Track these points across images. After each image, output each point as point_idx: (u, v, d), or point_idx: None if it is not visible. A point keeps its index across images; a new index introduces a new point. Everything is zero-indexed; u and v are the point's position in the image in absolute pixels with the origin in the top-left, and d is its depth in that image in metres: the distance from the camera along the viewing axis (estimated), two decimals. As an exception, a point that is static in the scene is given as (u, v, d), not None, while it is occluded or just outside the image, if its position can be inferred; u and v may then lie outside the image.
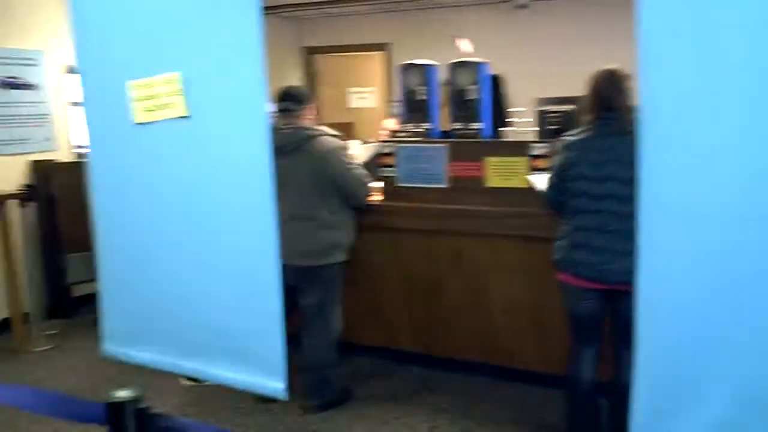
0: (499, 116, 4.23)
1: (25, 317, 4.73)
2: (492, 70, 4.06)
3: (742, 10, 1.52)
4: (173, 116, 2.20)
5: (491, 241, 3.57)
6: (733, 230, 1.58)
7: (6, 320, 4.80)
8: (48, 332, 4.86)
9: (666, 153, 1.62)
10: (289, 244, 3.22)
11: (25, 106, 5.09)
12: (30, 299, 4.82)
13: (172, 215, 2.28)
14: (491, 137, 3.92)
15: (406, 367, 3.98)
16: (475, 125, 3.89)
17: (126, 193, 2.39)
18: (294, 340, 3.34)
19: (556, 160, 2.85)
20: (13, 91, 4.92)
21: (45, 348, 4.65)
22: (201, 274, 2.25)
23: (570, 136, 2.79)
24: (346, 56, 7.87)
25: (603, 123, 2.70)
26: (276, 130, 3.46)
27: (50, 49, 5.17)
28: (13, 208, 4.66)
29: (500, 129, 4.05)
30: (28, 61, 5.01)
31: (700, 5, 1.55)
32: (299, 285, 3.41)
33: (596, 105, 2.73)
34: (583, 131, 2.75)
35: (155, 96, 2.24)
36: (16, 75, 4.92)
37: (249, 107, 2.08)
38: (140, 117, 2.26)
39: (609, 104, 2.70)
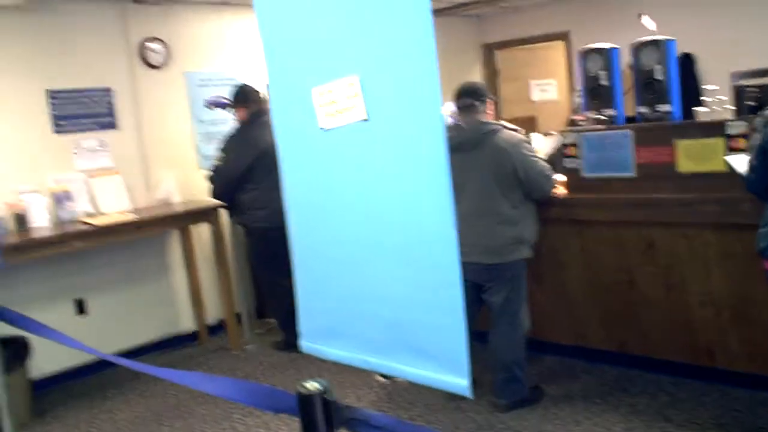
0: (692, 96, 3.96)
1: (237, 318, 5.16)
2: (680, 48, 3.80)
3: None
4: (354, 120, 2.31)
5: (685, 230, 3.34)
6: None
7: (221, 321, 5.28)
8: (257, 331, 5.27)
9: None
10: (471, 241, 3.26)
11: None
12: (241, 301, 5.24)
13: (355, 215, 2.39)
14: (681, 119, 3.68)
15: (597, 366, 3.84)
16: (664, 107, 3.66)
17: (314, 196, 2.53)
18: (481, 338, 3.37)
19: (755, 139, 2.62)
20: (221, 110, 5.38)
21: (254, 346, 5.04)
22: (383, 271, 2.32)
23: None
24: (525, 49, 7.75)
25: None
26: (456, 127, 3.51)
27: (251, 68, 5.60)
28: (225, 217, 5.10)
29: (692, 110, 3.78)
30: (234, 81, 5.47)
31: None
32: (484, 283, 3.41)
33: None
34: None
35: (337, 101, 2.37)
36: (223, 95, 5.38)
37: (424, 107, 2.12)
38: (324, 122, 2.39)
39: None
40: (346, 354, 2.50)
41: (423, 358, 2.27)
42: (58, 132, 4.74)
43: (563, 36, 7.18)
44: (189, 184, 5.30)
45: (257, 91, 4.81)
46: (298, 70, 2.45)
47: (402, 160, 2.25)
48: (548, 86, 7.43)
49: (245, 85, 4.82)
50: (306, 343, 2.64)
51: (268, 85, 2.58)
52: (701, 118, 3.56)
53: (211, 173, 4.71)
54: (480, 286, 3.41)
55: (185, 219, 4.98)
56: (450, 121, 3.83)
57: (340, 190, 2.44)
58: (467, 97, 3.50)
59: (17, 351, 4.05)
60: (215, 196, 4.75)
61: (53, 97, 4.72)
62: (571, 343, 3.90)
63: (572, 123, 4.11)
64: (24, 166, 4.56)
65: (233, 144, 4.63)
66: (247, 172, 4.57)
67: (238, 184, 4.62)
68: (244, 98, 4.72)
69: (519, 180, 3.36)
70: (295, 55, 2.45)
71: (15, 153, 4.55)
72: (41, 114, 4.68)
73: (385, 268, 2.35)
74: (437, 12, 6.95)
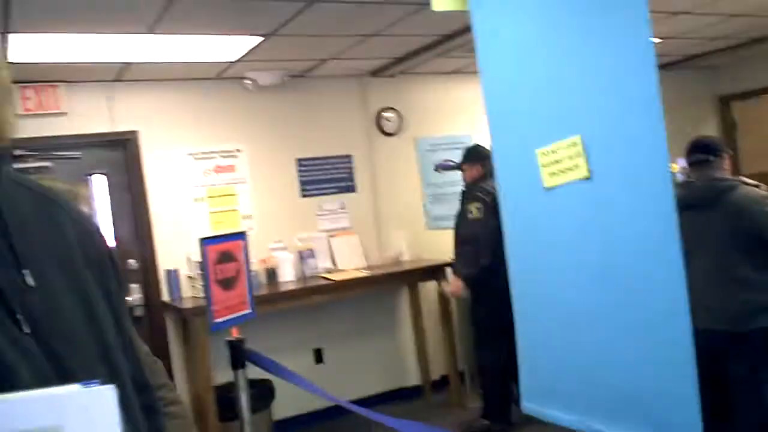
0: None
1: (460, 375, 5.27)
2: None
3: None
4: (576, 178, 2.34)
5: None
6: None
7: (444, 377, 5.42)
8: (478, 389, 5.33)
9: None
10: (706, 305, 3.06)
11: (458, 185, 5.80)
12: (463, 359, 5.35)
13: (579, 274, 2.39)
14: None
15: None
16: None
17: (537, 254, 2.59)
18: (722, 414, 3.11)
19: None
20: (448, 172, 5.66)
21: (476, 404, 5.10)
22: (610, 335, 2.29)
23: None
24: (766, 99, 7.21)
25: None
26: (687, 185, 3.37)
27: (477, 131, 5.83)
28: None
29: None
30: (460, 144, 5.74)
31: None
32: (723, 353, 3.18)
33: None
34: None
35: (560, 160, 2.42)
36: (450, 158, 5.67)
37: (650, 165, 2.09)
38: (548, 181, 2.46)
39: None
40: (568, 417, 2.47)
41: (649, 428, 2.17)
42: (304, 196, 5.28)
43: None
44: (418, 243, 5.58)
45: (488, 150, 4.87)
46: (521, 132, 2.55)
47: (626, 219, 2.23)
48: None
49: (478, 144, 4.93)
50: (527, 404, 2.65)
51: (491, 148, 2.72)
52: None
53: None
54: (717, 357, 3.17)
55: (413, 276, 5.23)
56: (680, 178, 3.69)
57: (564, 249, 2.47)
58: (699, 152, 3.36)
59: (263, 393, 4.47)
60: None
61: (301, 165, 5.29)
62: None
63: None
64: (276, 226, 5.12)
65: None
66: None
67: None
68: (477, 156, 4.70)
69: (762, 241, 3.13)
70: (518, 117, 2.56)
71: (269, 215, 5.14)
72: (292, 180, 5.26)
73: (612, 333, 2.31)
74: (667, 66, 6.73)
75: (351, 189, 5.46)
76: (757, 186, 3.24)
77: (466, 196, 4.67)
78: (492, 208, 4.20)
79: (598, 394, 2.34)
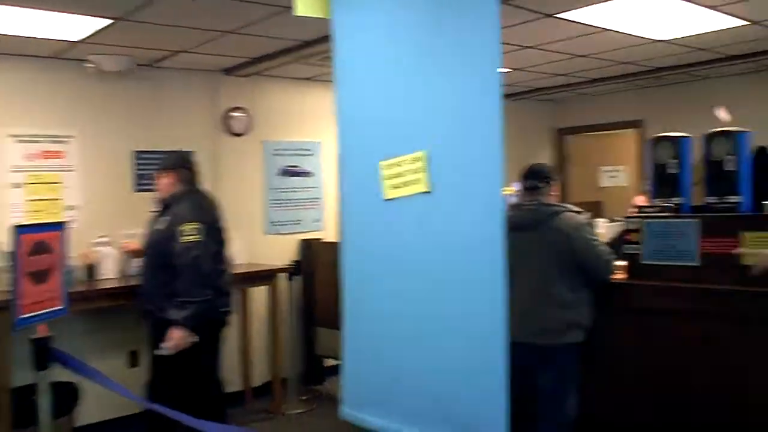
0: (766, 190, 3.88)
1: (284, 382, 5.20)
2: (756, 141, 3.78)
3: None
4: (416, 192, 2.38)
5: (748, 326, 3.24)
6: None
7: (267, 383, 5.32)
8: (301, 397, 5.29)
9: None
10: (525, 320, 3.24)
11: (301, 191, 5.76)
12: (288, 365, 5.29)
13: (408, 285, 2.43)
14: (751, 211, 3.61)
15: None
16: (733, 198, 3.62)
17: (370, 265, 2.60)
18: (527, 421, 3.29)
19: None
20: (292, 177, 5.59)
21: (298, 411, 5.05)
22: (432, 344, 2.34)
23: None
24: (597, 135, 7.79)
25: None
26: (518, 207, 3.55)
27: (326, 140, 5.81)
28: (283, 281, 5.23)
29: (764, 203, 3.71)
30: (307, 151, 5.70)
31: None
32: (534, 364, 3.36)
33: None
34: None
35: (402, 174, 2.45)
36: (296, 164, 5.60)
37: (485, 186, 2.18)
38: (389, 193, 2.48)
39: None
40: (386, 423, 2.50)
41: None
42: (138, 190, 5.00)
43: (637, 124, 7.18)
44: (254, 247, 5.46)
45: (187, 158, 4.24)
46: (368, 143, 2.56)
47: (456, 234, 2.30)
48: (617, 172, 7.42)
49: (178, 151, 4.66)
50: (347, 410, 2.66)
51: (339, 157, 2.70)
52: (771, 212, 3.48)
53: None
54: (531, 370, 3.35)
55: (245, 281, 5.08)
56: (513, 200, 3.87)
57: (398, 260, 2.50)
58: (532, 178, 3.54)
59: (66, 397, 4.17)
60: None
61: (139, 158, 5.02)
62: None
63: (635, 208, 4.08)
64: (103, 220, 4.82)
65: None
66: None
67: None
68: (174, 164, 4.08)
69: (579, 263, 3.35)
70: (367, 129, 2.57)
71: (97, 207, 4.83)
72: (126, 173, 4.99)
73: (434, 341, 2.37)
74: (513, 95, 7.08)
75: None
76: (579, 212, 3.46)
77: (172, 214, 3.84)
78: (213, 230, 3.86)
79: (416, 401, 2.38)
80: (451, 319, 2.28)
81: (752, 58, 5.61)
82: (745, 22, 4.48)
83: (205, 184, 5.23)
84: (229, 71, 5.37)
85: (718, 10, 4.18)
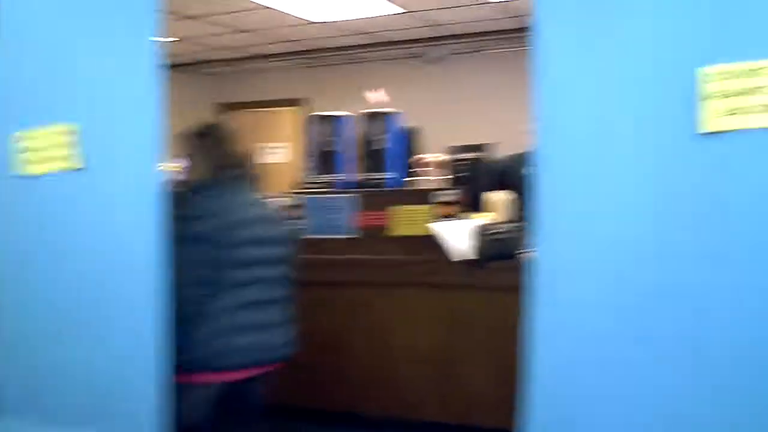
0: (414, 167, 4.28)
1: None
2: (408, 123, 4.14)
3: (633, 68, 1.64)
4: (65, 168, 2.16)
5: (394, 290, 3.59)
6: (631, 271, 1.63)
7: None
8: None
9: (562, 194, 1.70)
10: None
11: None
12: None
13: (59, 273, 2.20)
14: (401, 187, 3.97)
15: (304, 427, 3.73)
16: (385, 175, 3.93)
17: (12, 247, 2.31)
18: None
19: None
20: None
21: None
22: (83, 336, 2.15)
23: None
24: (260, 112, 7.91)
25: None
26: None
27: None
28: None
29: (411, 179, 4.10)
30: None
31: (591, 63, 1.70)
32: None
33: None
34: None
35: (45, 147, 2.20)
36: None
37: (140, 160, 2.06)
38: (28, 168, 2.21)
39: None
40: (42, 428, 2.24)
41: (118, 426, 2.11)
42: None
43: (300, 102, 7.45)
44: None
45: None
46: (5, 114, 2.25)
47: (114, 213, 2.13)
48: (279, 149, 7.64)
49: None
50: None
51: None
52: (415, 187, 3.87)
53: None
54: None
55: None
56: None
57: (47, 241, 2.25)
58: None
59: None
60: None
61: None
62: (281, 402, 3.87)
63: (298, 186, 4.24)
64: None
65: None
66: None
67: None
68: None
69: None
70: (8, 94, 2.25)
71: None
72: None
73: (85, 333, 2.17)
74: (174, 67, 6.84)
75: None
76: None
77: None
78: None
79: (71, 398, 2.20)
80: (108, 307, 2.13)
81: (405, 45, 6.16)
82: (401, 10, 4.87)
83: None
84: None
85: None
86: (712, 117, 1.53)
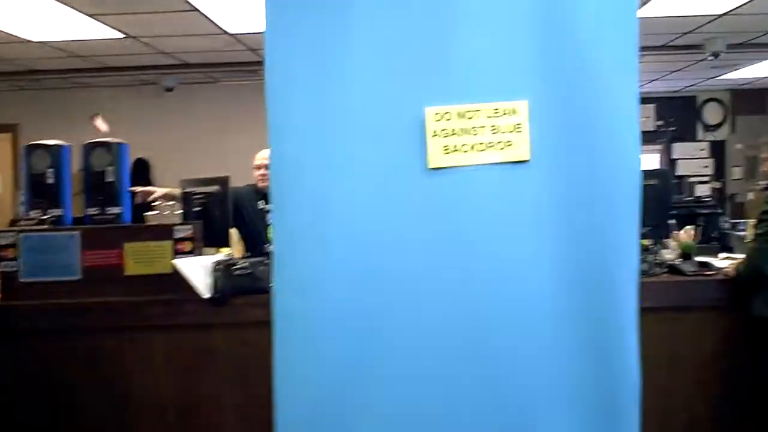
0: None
1: None
2: (138, 153, 3.89)
3: (363, 104, 1.71)
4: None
5: (134, 334, 3.31)
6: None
7: None
8: None
9: (297, 226, 1.72)
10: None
11: None
12: None
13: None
14: (132, 222, 3.69)
15: None
16: (114, 210, 3.62)
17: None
18: None
19: None
20: None
21: None
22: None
23: None
24: None
25: None
26: None
27: None
28: None
29: (146, 214, 3.83)
30: None
31: (318, 95, 1.72)
32: None
33: None
34: None
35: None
36: None
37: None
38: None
39: None
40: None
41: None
42: None
43: (11, 128, 6.71)
44: None
45: None
46: None
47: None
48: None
49: None
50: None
51: None
52: (151, 222, 3.61)
53: None
54: None
55: None
56: None
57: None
58: None
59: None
60: None
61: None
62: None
63: (14, 223, 3.76)
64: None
65: None
66: None
67: None
68: None
69: None
70: None
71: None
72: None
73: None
74: None
75: None
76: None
77: None
78: None
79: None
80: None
81: (130, 72, 5.83)
82: (123, 35, 4.60)
83: None
84: None
85: (97, 19, 4.18)
86: (436, 154, 1.66)
